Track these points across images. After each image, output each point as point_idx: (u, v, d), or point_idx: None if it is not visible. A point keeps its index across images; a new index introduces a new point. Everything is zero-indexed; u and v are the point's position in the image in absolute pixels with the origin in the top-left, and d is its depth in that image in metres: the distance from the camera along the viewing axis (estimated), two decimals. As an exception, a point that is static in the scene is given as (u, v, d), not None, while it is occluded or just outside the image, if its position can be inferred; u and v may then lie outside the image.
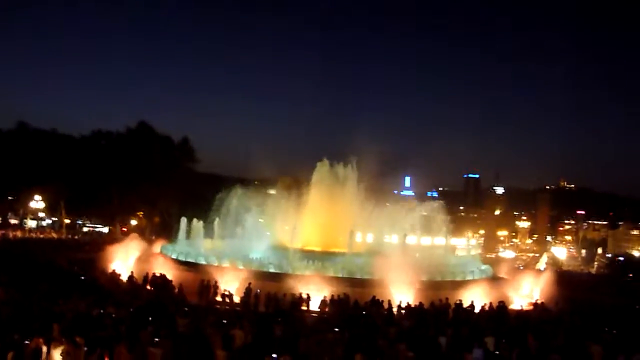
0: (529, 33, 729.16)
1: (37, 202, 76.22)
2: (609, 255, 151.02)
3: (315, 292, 30.85)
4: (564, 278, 57.93)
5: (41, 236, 71.89)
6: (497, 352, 19.62)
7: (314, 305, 30.31)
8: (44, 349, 13.82)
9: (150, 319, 20.68)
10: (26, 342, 14.39)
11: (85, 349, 14.19)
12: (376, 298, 30.35)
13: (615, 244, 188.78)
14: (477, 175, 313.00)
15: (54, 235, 77.12)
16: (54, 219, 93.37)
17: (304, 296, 30.35)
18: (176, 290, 31.71)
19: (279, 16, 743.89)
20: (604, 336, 23.47)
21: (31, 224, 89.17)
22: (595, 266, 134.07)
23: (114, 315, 20.10)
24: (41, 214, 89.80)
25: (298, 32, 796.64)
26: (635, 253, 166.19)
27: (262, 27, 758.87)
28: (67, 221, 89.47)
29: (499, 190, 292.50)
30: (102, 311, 20.83)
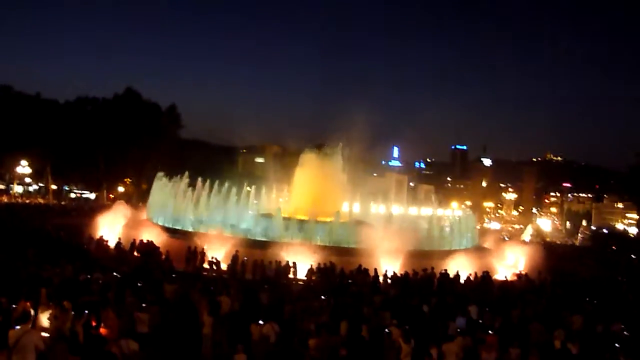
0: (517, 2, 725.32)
1: (23, 168, 75.63)
2: (593, 228, 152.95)
3: (302, 261, 31.06)
4: (548, 249, 58.80)
5: (27, 202, 71.50)
6: (480, 321, 19.96)
7: (301, 274, 30.54)
8: (32, 312, 13.86)
9: (137, 284, 20.80)
10: (13, 305, 14.43)
11: (73, 313, 14.25)
12: (362, 267, 30.62)
13: (600, 216, 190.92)
14: (464, 147, 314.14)
15: (41, 201, 76.79)
16: (40, 184, 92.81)
17: (291, 264, 30.55)
18: (163, 256, 31.77)
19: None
20: (585, 306, 23.97)
21: (17, 189, 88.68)
22: (579, 238, 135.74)
23: (100, 281, 20.15)
24: (28, 180, 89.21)
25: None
26: (619, 226, 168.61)
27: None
28: (54, 187, 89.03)
29: (486, 161, 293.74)
30: (89, 277, 20.86)
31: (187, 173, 44.22)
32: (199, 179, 44.36)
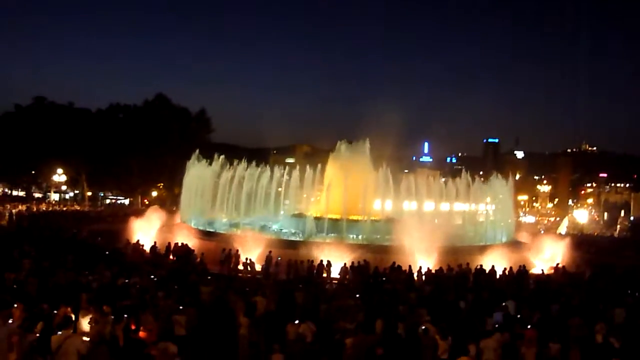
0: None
1: (59, 176, 77.26)
2: (632, 219, 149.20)
3: (335, 259, 31.07)
4: (585, 242, 57.67)
5: (64, 209, 72.96)
6: (518, 316, 19.68)
7: (335, 273, 30.54)
8: (73, 317, 14.14)
9: (174, 287, 21.05)
10: (55, 311, 14.73)
11: (112, 317, 14.49)
12: (396, 264, 30.47)
13: (639, 206, 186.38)
14: (496, 140, 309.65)
15: (77, 207, 78.30)
16: (76, 191, 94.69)
17: (324, 263, 30.57)
18: (198, 259, 32.10)
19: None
20: (627, 299, 23.40)
21: (54, 197, 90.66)
22: (618, 229, 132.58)
23: (138, 285, 20.44)
24: (63, 187, 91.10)
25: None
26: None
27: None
28: (89, 194, 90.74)
29: (519, 154, 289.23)
30: (126, 281, 21.19)
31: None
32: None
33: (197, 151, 45.80)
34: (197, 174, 44.68)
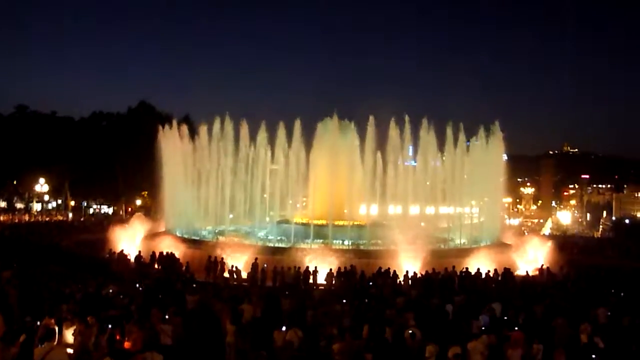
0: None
1: (41, 186, 76.38)
2: (614, 219, 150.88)
3: (322, 265, 31.03)
4: (568, 243, 58.15)
5: (47, 219, 72.19)
6: (505, 318, 19.77)
7: (321, 278, 30.50)
8: (56, 329, 13.97)
9: (159, 296, 20.89)
10: (38, 323, 14.55)
11: (97, 328, 14.34)
12: (383, 269, 30.50)
13: (621, 207, 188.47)
14: (477, 142, 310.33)
15: (60, 217, 77.47)
16: (59, 201, 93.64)
17: (311, 269, 30.52)
18: (184, 267, 31.92)
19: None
20: (610, 299, 23.61)
21: (37, 207, 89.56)
22: (600, 230, 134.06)
23: (122, 296, 20.27)
24: (46, 197, 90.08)
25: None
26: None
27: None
28: (72, 203, 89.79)
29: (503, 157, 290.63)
30: (111, 291, 21.00)
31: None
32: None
33: None
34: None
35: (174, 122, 45.62)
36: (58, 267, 26.98)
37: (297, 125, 42.93)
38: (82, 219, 76.15)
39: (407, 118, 43.01)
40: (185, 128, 45.71)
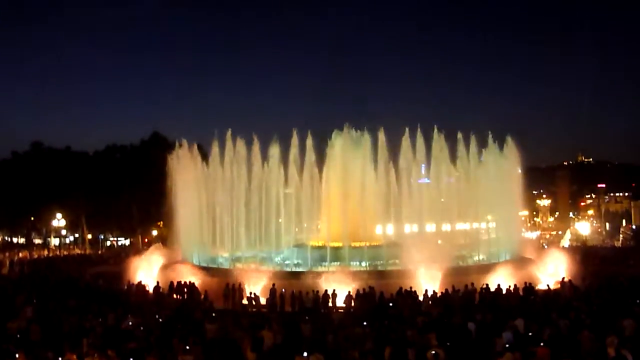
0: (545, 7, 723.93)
1: (58, 220, 76.99)
2: (634, 227, 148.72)
3: (340, 288, 30.83)
4: (589, 253, 57.41)
5: (65, 253, 72.61)
6: (529, 334, 19.45)
7: (340, 301, 30.29)
8: (78, 364, 13.98)
9: (178, 326, 20.83)
10: (60, 359, 14.56)
11: (118, 361, 14.35)
12: (402, 289, 30.24)
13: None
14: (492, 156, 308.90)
15: (78, 251, 77.93)
16: (76, 235, 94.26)
17: (329, 292, 30.33)
18: (202, 296, 31.87)
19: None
20: (635, 309, 23.18)
21: (54, 242, 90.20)
22: (621, 239, 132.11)
23: (142, 327, 20.24)
24: (63, 232, 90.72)
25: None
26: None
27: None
28: (89, 236, 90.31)
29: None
30: (130, 323, 20.98)
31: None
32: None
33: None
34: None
35: (184, 149, 45.69)
36: (77, 301, 26.99)
37: (309, 144, 42.69)
38: (99, 252, 76.55)
39: (419, 133, 42.82)
40: (196, 154, 45.87)
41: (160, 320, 22.87)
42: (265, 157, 43.89)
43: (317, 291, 30.32)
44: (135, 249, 70.42)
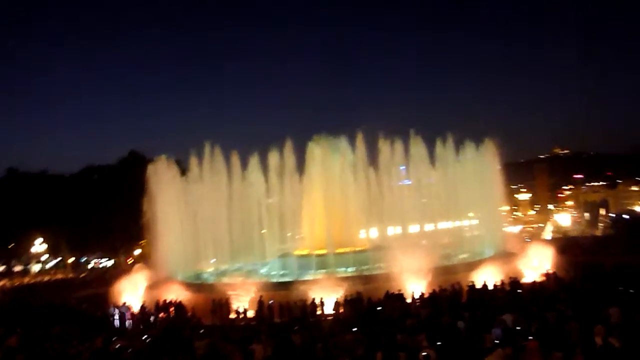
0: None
1: (38, 246, 75.99)
2: (613, 215, 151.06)
3: (328, 295, 30.78)
4: (571, 244, 58.07)
5: (47, 279, 71.61)
6: (518, 328, 19.58)
7: (329, 309, 30.22)
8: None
9: (167, 345, 20.60)
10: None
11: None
12: (390, 292, 30.27)
13: (617, 202, 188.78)
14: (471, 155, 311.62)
15: (60, 275, 76.92)
16: (57, 259, 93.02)
17: (317, 301, 30.26)
18: (190, 313, 31.58)
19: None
20: (620, 297, 23.48)
21: (36, 268, 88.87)
22: (600, 227, 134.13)
23: (130, 350, 19.98)
24: (44, 257, 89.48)
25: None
26: (637, 208, 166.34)
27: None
28: (71, 260, 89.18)
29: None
30: (118, 346, 20.70)
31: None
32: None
33: None
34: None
35: (163, 164, 45.20)
36: (62, 327, 26.56)
37: (288, 153, 42.66)
38: (82, 275, 75.57)
39: (397, 136, 43.06)
40: (175, 169, 45.49)
41: (149, 340, 22.60)
42: (245, 168, 43.84)
43: (305, 300, 30.24)
44: (119, 270, 69.66)
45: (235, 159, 44.01)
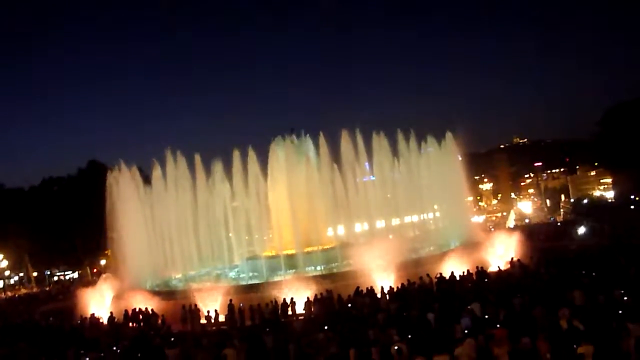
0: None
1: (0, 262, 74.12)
2: (573, 200, 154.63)
3: (298, 295, 30.76)
4: (534, 231, 59.28)
5: (10, 294, 69.86)
6: (486, 316, 19.94)
7: (299, 308, 30.21)
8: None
9: (138, 355, 20.36)
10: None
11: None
12: (359, 288, 30.42)
13: (577, 188, 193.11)
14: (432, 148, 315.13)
15: (24, 290, 75.13)
16: (20, 274, 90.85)
17: (288, 301, 30.23)
18: (159, 321, 31.19)
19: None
20: (583, 280, 24.10)
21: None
22: (562, 213, 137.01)
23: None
24: (6, 272, 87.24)
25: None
26: (596, 193, 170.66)
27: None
28: (35, 274, 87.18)
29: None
30: (88, 359, 20.36)
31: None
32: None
33: None
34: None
35: (124, 172, 44.51)
36: (28, 344, 25.92)
37: (251, 154, 42.39)
38: (46, 289, 73.92)
39: (358, 133, 43.19)
40: (137, 176, 44.88)
41: (119, 351, 22.28)
42: (208, 173, 43.49)
43: (276, 301, 30.15)
44: (85, 281, 68.41)
45: (199, 164, 43.60)
